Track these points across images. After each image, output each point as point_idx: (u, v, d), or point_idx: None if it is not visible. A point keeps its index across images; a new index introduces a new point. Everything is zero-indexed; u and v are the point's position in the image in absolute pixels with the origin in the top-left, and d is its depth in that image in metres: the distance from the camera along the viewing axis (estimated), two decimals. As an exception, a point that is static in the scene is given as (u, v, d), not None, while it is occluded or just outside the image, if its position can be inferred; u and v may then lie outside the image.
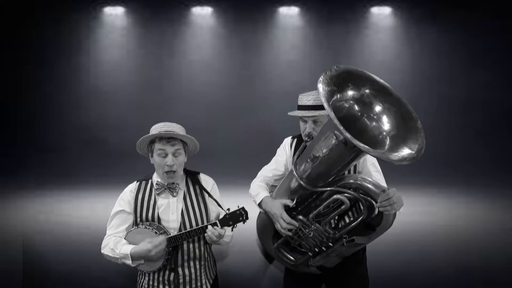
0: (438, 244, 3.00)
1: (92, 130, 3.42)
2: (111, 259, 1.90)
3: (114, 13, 3.55)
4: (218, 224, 1.81)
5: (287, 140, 2.18)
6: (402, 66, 3.47)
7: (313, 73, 3.45)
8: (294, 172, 1.80)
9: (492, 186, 3.19)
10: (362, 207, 1.73)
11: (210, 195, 1.98)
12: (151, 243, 1.81)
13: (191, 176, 2.04)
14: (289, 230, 1.82)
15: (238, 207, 1.84)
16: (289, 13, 3.53)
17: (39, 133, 3.44)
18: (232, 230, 1.91)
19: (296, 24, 3.53)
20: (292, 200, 1.84)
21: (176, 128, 1.90)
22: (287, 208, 1.84)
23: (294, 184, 1.83)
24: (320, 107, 1.91)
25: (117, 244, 1.87)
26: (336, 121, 1.45)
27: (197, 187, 2.00)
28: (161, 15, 3.53)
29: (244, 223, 1.86)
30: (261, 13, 3.52)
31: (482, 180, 3.21)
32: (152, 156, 1.94)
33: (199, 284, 1.95)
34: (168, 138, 1.87)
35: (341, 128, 1.45)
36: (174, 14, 3.53)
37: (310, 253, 1.86)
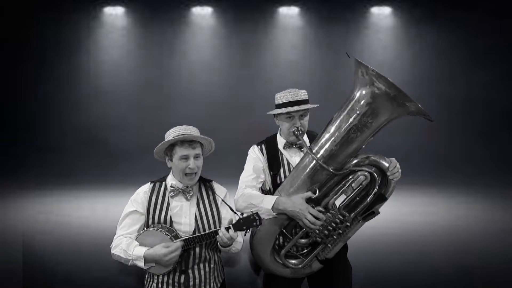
0: (438, 244, 3.00)
1: (92, 130, 3.42)
2: (121, 260, 1.88)
3: (114, 13, 3.55)
4: (232, 228, 1.80)
5: (256, 148, 2.14)
6: (402, 66, 3.47)
7: (313, 73, 3.45)
8: (315, 158, 1.78)
9: (492, 186, 3.19)
10: (376, 181, 1.83)
11: (223, 201, 1.98)
12: (167, 248, 1.79)
13: (204, 182, 2.04)
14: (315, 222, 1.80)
15: (251, 211, 1.83)
16: (289, 13, 3.53)
17: (39, 133, 3.43)
18: (244, 235, 1.89)
19: (296, 24, 3.53)
20: (313, 191, 1.82)
21: (193, 131, 1.92)
22: (307, 201, 1.82)
23: (314, 170, 1.81)
24: (305, 102, 2.00)
25: (129, 246, 1.86)
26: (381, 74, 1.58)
27: (210, 193, 2.00)
28: (161, 15, 3.53)
29: (257, 227, 1.85)
30: (261, 13, 3.52)
31: (482, 180, 3.21)
32: (171, 160, 1.94)
33: (208, 287, 1.95)
34: (190, 141, 1.89)
35: (389, 79, 1.57)
36: (174, 14, 3.53)
37: (328, 244, 1.87)
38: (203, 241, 1.85)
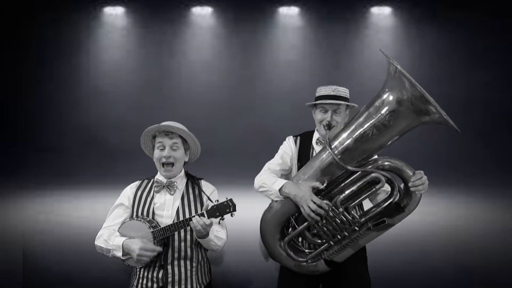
0: (438, 244, 3.00)
1: (92, 130, 3.42)
2: (102, 251, 1.93)
3: (114, 13, 3.55)
4: (205, 215, 1.79)
5: (291, 138, 2.19)
6: (402, 66, 3.45)
7: (313, 73, 3.45)
8: (329, 150, 1.77)
9: (492, 186, 3.19)
10: (393, 189, 1.80)
11: (204, 192, 1.99)
12: (144, 244, 1.82)
13: (192, 179, 2.06)
14: (317, 214, 1.78)
15: (226, 198, 1.83)
16: (289, 13, 3.53)
17: (39, 133, 3.44)
18: (219, 223, 1.88)
19: (296, 24, 3.53)
20: (321, 182, 1.81)
21: (177, 125, 1.97)
22: (315, 191, 1.81)
23: (328, 163, 1.80)
24: (343, 99, 2.03)
25: (110, 236, 1.90)
26: (411, 78, 1.56)
27: (196, 189, 2.02)
28: (161, 15, 3.53)
29: (232, 215, 1.82)
30: (261, 13, 3.52)
31: (482, 180, 3.21)
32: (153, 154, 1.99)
33: (189, 286, 1.94)
34: (167, 132, 1.94)
35: (416, 83, 1.54)
36: (174, 14, 3.54)
37: (332, 242, 1.84)
38: (177, 229, 1.85)
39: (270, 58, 3.53)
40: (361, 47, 3.49)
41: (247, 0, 3.51)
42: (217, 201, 1.82)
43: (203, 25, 3.54)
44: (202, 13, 3.54)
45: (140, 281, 1.94)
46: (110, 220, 1.99)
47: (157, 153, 1.96)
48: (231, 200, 1.81)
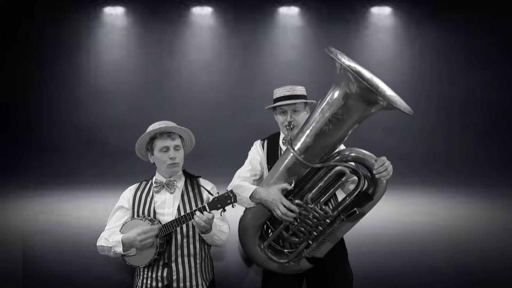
0: (438, 244, 3.00)
1: (92, 130, 3.42)
2: (104, 251, 1.93)
3: (114, 13, 3.55)
4: (207, 208, 1.81)
5: (258, 142, 2.22)
6: (402, 66, 3.47)
7: (313, 73, 3.45)
8: (292, 150, 1.80)
9: (492, 186, 3.19)
10: (360, 179, 1.81)
11: (203, 187, 2.00)
12: (140, 229, 1.84)
13: (190, 177, 2.07)
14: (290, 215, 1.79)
15: (226, 191, 1.84)
16: (289, 13, 3.53)
17: (39, 133, 3.43)
18: (221, 215, 1.89)
19: (296, 24, 3.53)
20: (289, 183, 1.83)
21: (171, 124, 1.99)
22: (284, 193, 1.82)
23: (292, 163, 1.82)
24: (299, 97, 2.04)
25: (111, 235, 1.92)
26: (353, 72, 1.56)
27: (195, 186, 2.04)
28: (161, 15, 3.53)
29: (233, 206, 1.83)
30: (261, 13, 3.52)
31: (482, 180, 3.21)
32: (152, 155, 1.98)
33: (194, 283, 1.94)
34: (168, 133, 1.95)
35: (359, 77, 1.55)
36: (174, 14, 3.54)
37: (310, 241, 1.85)
38: (179, 224, 1.86)
39: (270, 58, 3.53)
40: (361, 47, 3.49)
41: (247, 0, 3.52)
42: (218, 193, 1.84)
43: (203, 25, 3.54)
44: (202, 13, 3.54)
45: (144, 281, 1.94)
46: (111, 223, 2.00)
47: (161, 155, 1.95)
48: (231, 191, 1.82)
